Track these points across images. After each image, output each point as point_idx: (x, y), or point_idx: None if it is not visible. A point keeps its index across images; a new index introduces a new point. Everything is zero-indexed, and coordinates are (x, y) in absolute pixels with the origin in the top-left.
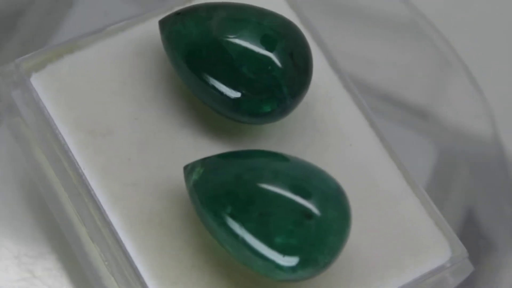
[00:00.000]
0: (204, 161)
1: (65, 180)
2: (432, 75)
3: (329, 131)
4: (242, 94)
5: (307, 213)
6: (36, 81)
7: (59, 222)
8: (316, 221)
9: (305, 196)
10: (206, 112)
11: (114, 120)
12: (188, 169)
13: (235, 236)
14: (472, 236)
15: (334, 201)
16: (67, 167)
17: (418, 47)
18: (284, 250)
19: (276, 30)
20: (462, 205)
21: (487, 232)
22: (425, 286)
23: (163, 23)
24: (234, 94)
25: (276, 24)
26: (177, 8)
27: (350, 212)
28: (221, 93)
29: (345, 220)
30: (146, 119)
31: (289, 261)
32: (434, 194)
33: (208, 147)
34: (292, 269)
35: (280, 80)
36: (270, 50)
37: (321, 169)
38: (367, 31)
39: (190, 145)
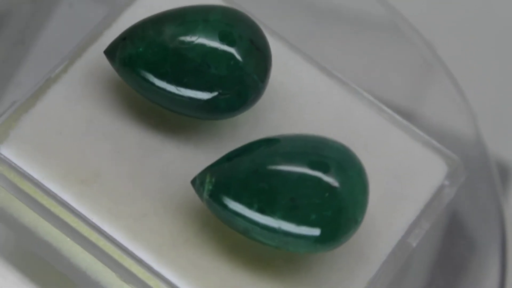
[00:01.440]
0: (212, 170)
1: (75, 234)
2: (413, 76)
3: (294, 96)
4: (219, 94)
5: (331, 184)
6: (7, 151)
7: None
8: (342, 188)
9: (324, 168)
10: (179, 121)
11: (98, 162)
12: (198, 182)
13: (272, 229)
14: (456, 237)
15: (349, 162)
16: (72, 222)
17: (398, 49)
18: (322, 224)
19: (226, 22)
20: (447, 207)
21: (471, 232)
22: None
23: (110, 53)
24: (210, 95)
25: (223, 16)
26: (106, 33)
27: (363, 165)
28: (198, 99)
29: (363, 175)
30: (126, 148)
31: (330, 232)
32: None
33: (195, 154)
34: (334, 238)
35: (249, 69)
36: (231, 44)
37: (321, 136)
38: (346, 32)
39: (178, 157)
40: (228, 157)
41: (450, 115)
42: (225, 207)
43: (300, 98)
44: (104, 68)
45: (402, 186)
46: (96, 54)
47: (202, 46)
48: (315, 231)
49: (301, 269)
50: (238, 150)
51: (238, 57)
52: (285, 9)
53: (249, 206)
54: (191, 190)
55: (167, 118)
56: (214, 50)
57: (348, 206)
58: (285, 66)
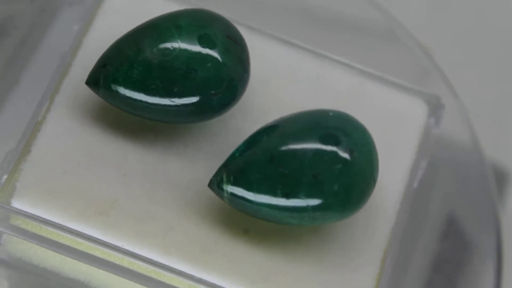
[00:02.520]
0: (226, 168)
1: (107, 265)
2: (409, 82)
3: (271, 78)
4: (211, 94)
5: (346, 152)
6: (19, 203)
7: None
8: (356, 152)
9: (335, 139)
10: (173, 130)
11: (109, 189)
12: (216, 184)
13: (300, 208)
14: (454, 241)
15: (353, 126)
16: (102, 254)
17: (395, 55)
18: (346, 191)
19: (199, 24)
20: (444, 211)
21: (468, 237)
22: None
23: (93, 82)
24: (202, 98)
25: (193, 19)
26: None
27: (363, 124)
28: (191, 105)
29: (368, 134)
30: (131, 169)
31: (354, 197)
32: (416, 200)
33: (197, 158)
34: (359, 201)
35: (232, 64)
36: (211, 44)
37: (317, 110)
38: (343, 38)
39: (182, 164)
40: (238, 153)
41: (446, 120)
42: (250, 202)
43: (277, 79)
44: (85, 97)
45: (391, 135)
46: (73, 85)
47: (184, 52)
48: (341, 200)
49: (328, 239)
50: (244, 144)
51: (220, 55)
52: (283, 16)
53: (274, 194)
54: (207, 193)
55: (160, 130)
56: (196, 54)
57: (365, 168)
58: (253, 49)
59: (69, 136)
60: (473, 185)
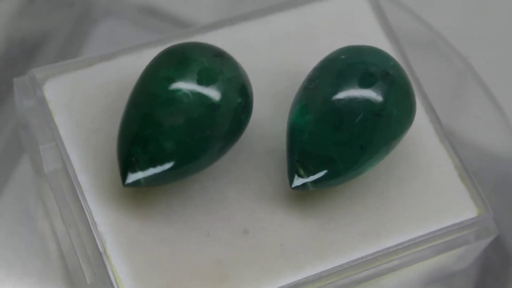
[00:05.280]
0: (300, 163)
1: None
2: (450, 92)
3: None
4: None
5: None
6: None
7: None
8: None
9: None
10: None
11: (202, 256)
12: (299, 181)
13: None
14: (497, 253)
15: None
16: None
17: (436, 65)
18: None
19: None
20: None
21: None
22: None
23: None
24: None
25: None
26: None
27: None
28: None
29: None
30: (196, 225)
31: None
32: None
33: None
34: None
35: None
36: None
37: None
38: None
39: (226, 193)
40: (297, 147)
41: (488, 130)
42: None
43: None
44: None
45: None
46: None
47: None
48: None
49: (374, 191)
50: (293, 134)
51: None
52: None
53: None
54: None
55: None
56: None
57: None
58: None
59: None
60: None
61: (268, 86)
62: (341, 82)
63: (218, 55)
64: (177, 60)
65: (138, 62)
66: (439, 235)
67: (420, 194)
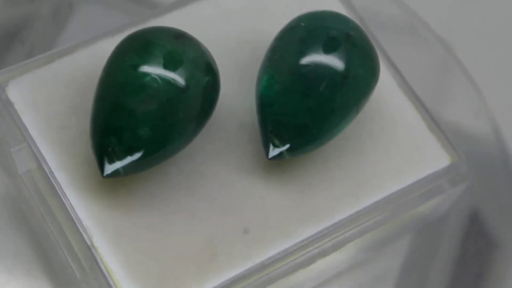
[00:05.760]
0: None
1: None
2: (430, 76)
3: None
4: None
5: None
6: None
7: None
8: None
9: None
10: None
11: (194, 245)
12: (275, 151)
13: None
14: (477, 236)
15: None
16: None
17: (415, 49)
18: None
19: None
20: (466, 205)
21: (491, 231)
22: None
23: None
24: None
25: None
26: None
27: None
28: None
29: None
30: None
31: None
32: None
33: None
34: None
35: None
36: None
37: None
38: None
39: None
40: (269, 119)
41: (469, 113)
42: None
43: None
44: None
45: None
46: None
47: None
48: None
49: (348, 152)
50: (263, 106)
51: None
52: None
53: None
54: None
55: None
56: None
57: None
58: None
59: None
60: (498, 180)
61: (229, 61)
62: (305, 49)
63: (179, 36)
64: (140, 46)
65: (97, 54)
66: (416, 187)
67: (393, 150)
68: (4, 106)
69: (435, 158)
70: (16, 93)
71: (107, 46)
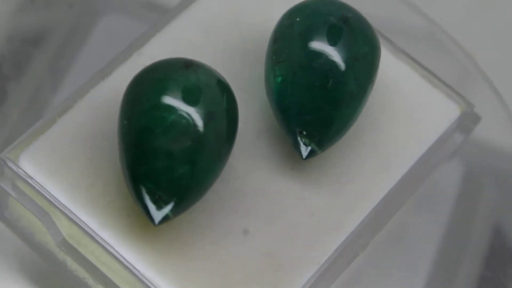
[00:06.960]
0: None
1: None
2: (451, 84)
3: None
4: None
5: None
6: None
7: None
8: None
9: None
10: None
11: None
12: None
13: None
14: (501, 251)
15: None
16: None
17: (438, 60)
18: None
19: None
20: (490, 221)
21: None
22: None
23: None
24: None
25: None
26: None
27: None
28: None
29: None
30: None
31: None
32: (462, 209)
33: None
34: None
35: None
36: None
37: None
38: (386, 43)
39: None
40: (294, 122)
41: (493, 127)
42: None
43: None
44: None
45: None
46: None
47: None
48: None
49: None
50: (284, 111)
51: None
52: None
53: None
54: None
55: None
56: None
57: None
58: None
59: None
60: None
61: (224, 73)
62: (309, 43)
63: (189, 65)
64: (154, 86)
65: (95, 103)
66: (438, 145)
67: (406, 115)
68: (26, 183)
69: (447, 111)
70: (30, 165)
71: (103, 93)
